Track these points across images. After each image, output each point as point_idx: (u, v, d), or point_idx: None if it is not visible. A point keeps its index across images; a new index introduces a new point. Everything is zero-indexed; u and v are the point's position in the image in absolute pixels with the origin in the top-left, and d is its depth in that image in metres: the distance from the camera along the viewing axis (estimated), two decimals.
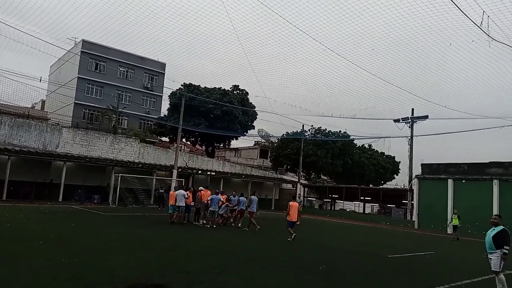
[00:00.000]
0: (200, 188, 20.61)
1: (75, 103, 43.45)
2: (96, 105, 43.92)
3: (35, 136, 29.60)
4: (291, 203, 16.03)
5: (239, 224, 19.27)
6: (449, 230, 26.22)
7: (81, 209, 23.80)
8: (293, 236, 14.94)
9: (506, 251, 8.18)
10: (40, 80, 55.42)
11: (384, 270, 10.68)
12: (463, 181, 27.84)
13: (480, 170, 28.21)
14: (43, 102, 53.20)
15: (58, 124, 34.56)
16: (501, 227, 8.57)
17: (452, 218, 22.51)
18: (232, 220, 19.88)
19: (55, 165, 29.58)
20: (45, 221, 16.57)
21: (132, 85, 47.24)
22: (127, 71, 47.37)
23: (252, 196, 19.38)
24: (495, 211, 25.15)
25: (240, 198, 19.80)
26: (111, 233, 14.34)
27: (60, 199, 27.76)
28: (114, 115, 41.49)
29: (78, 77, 43.99)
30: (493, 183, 25.92)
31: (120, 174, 29.43)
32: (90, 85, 44.86)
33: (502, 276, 8.33)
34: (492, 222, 8.81)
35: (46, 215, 18.88)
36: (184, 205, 19.04)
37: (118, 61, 46.34)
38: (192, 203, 19.87)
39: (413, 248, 16.33)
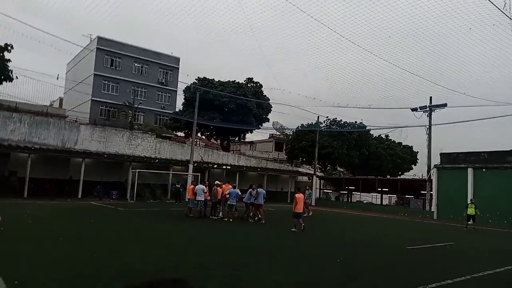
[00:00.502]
0: (216, 182, 20.68)
1: (92, 100, 44.04)
2: (113, 102, 44.42)
3: (54, 134, 30.16)
4: (297, 195, 16.29)
5: (257, 217, 19.18)
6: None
7: (100, 205, 24.21)
8: (302, 226, 15.32)
9: None
10: (58, 77, 56.52)
11: (404, 262, 10.54)
12: (484, 169, 27.21)
13: (501, 158, 27.50)
14: (61, 99, 54.11)
15: (76, 121, 35.13)
16: None
17: (466, 207, 21.84)
18: (251, 214, 19.56)
19: (74, 162, 30.13)
20: (65, 218, 16.92)
21: (147, 80, 47.59)
22: (142, 67, 47.71)
23: (259, 189, 19.01)
24: None
25: (258, 190, 19.16)
26: (129, 229, 14.55)
27: (80, 196, 28.28)
28: (130, 111, 41.94)
29: (94, 74, 44.52)
30: None
31: (137, 170, 29.80)
32: (106, 82, 45.37)
33: None
34: None
35: (66, 212, 19.28)
36: (203, 199, 19.18)
37: (133, 57, 46.69)
38: (208, 198, 19.95)
39: (433, 239, 16.07)
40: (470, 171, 27.60)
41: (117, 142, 33.10)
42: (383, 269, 9.44)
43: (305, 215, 22.17)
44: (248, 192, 19.48)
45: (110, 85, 45.67)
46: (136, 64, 47.04)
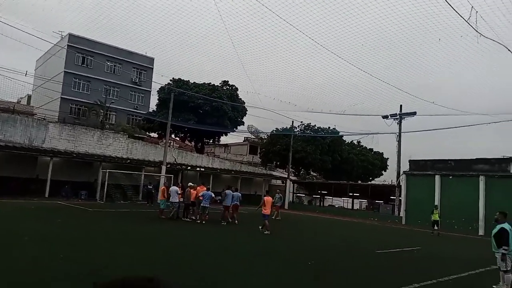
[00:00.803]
0: (190, 184, 20.51)
1: (61, 98, 42.75)
2: (83, 100, 43.27)
3: (20, 131, 29.05)
4: (265, 198, 17.29)
5: (236, 221, 19.30)
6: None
7: (68, 205, 23.47)
8: (267, 228, 15.95)
9: (503, 251, 8.00)
10: (26, 74, 54.36)
11: (373, 266, 10.74)
12: (450, 177, 28.17)
13: (467, 166, 28.57)
14: (29, 97, 52.29)
15: (44, 119, 33.98)
16: (501, 225, 8.33)
17: (431, 213, 22.58)
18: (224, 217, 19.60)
19: (42, 161, 29.10)
20: (31, 217, 16.30)
21: (120, 80, 46.66)
22: (114, 66, 46.75)
23: (226, 190, 19.74)
24: (481, 207, 25.56)
25: (234, 193, 19.84)
26: (98, 230, 14.17)
27: (47, 195, 27.33)
28: (101, 110, 40.98)
29: (64, 71, 43.26)
30: (480, 179, 26.27)
31: (108, 170, 29.11)
32: (77, 80, 44.17)
33: (509, 275, 8.09)
34: (495, 220, 8.63)
35: (32, 211, 18.58)
36: (177, 201, 19.14)
37: (106, 56, 45.68)
38: (182, 199, 19.79)
39: (401, 243, 16.49)
40: (437, 178, 28.51)
41: (87, 142, 32.23)
42: (353, 272, 9.59)
43: (277, 218, 22.39)
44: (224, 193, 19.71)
45: (81, 84, 44.50)
46: (108, 63, 46.05)
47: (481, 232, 24.94)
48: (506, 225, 8.32)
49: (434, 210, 22.71)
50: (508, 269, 8.15)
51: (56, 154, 29.19)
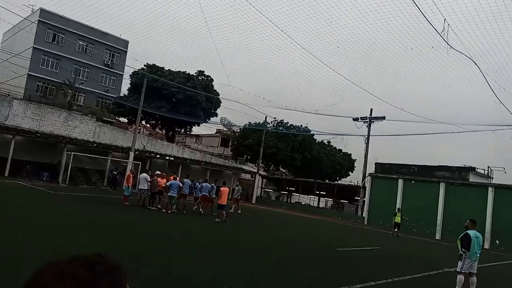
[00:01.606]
0: (157, 172, 20.28)
1: (28, 74, 41.00)
2: (51, 79, 41.67)
3: None
4: (222, 188, 17.80)
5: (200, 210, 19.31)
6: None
7: (28, 186, 22.65)
8: (224, 217, 16.95)
9: (462, 253, 8.69)
10: None
11: (333, 262, 11.01)
12: (412, 181, 29.17)
13: (429, 173, 29.71)
14: None
15: (8, 95, 32.51)
16: (467, 231, 8.93)
17: (394, 215, 23.38)
18: (197, 207, 19.81)
19: (3, 138, 27.84)
20: None
21: (91, 60, 45.19)
22: (86, 46, 45.22)
23: (185, 179, 20.08)
24: (440, 212, 26.65)
25: (203, 184, 20.04)
26: (58, 212, 13.77)
27: (6, 174, 26.28)
28: (70, 91, 39.62)
29: (33, 47, 41.46)
30: (440, 185, 27.35)
31: (72, 153, 28.26)
32: (46, 57, 42.47)
33: (461, 276, 8.71)
34: (465, 226, 9.24)
35: None
36: (146, 188, 18.90)
37: (78, 34, 44.09)
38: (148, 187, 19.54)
39: (362, 242, 16.96)
40: (400, 181, 29.45)
41: (52, 122, 31.13)
42: (314, 267, 9.79)
43: (238, 211, 22.22)
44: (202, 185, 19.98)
45: (50, 61, 42.83)
46: (80, 42, 44.48)
47: (438, 236, 26.01)
48: (471, 232, 8.90)
49: (396, 212, 23.50)
50: (462, 271, 8.68)
51: (19, 132, 28.05)
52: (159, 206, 18.86)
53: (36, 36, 41.41)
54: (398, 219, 22.90)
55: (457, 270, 8.88)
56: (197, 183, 20.42)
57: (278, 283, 7.57)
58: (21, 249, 7.53)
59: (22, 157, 27.78)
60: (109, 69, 46.95)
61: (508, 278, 13.25)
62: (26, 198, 16.81)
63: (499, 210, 24.40)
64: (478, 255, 8.92)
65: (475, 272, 8.82)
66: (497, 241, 23.69)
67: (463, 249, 8.73)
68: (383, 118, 34.56)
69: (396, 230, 22.63)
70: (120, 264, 0.75)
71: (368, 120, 34.80)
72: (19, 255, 7.01)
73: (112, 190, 26.45)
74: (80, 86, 40.43)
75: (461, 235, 9.10)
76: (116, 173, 28.41)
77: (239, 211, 23.04)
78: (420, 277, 10.55)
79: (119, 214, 15.53)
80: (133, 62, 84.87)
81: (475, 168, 29.93)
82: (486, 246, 23.22)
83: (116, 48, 47.81)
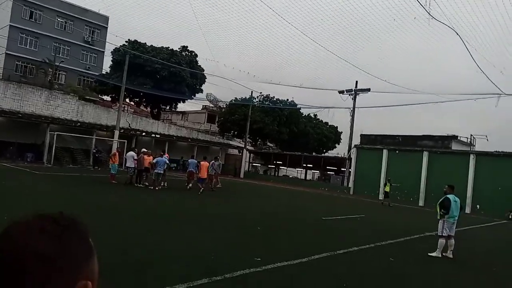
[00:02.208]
0: (143, 150, 20.20)
1: (6, 53, 39.76)
2: (31, 57, 40.51)
3: None
4: (202, 162, 18.82)
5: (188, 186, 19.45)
6: (381, 196, 28.18)
7: (13, 167, 22.39)
8: (201, 190, 17.82)
9: (442, 213, 9.12)
10: None
11: (318, 231, 11.30)
12: (397, 151, 29.69)
13: (413, 142, 30.21)
14: None
15: None
16: (446, 195, 9.30)
17: (385, 185, 23.93)
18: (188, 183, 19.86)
19: None
20: None
21: (71, 38, 43.92)
22: (65, 23, 43.83)
23: (158, 158, 18.99)
24: (423, 180, 27.30)
25: (189, 160, 20.57)
26: (43, 193, 13.72)
27: None
28: (50, 69, 38.63)
29: (10, 25, 40.03)
30: (423, 154, 27.90)
31: (56, 132, 27.86)
32: (24, 35, 41.13)
33: (442, 240, 9.07)
34: (444, 192, 9.59)
35: None
36: (133, 166, 18.85)
37: (56, 11, 42.66)
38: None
39: (347, 211, 17.36)
40: (385, 152, 29.95)
41: (34, 102, 30.48)
42: (299, 237, 10.05)
43: (217, 185, 21.84)
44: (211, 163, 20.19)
45: (28, 39, 41.52)
46: (59, 19, 43.09)
47: (421, 203, 26.78)
48: (451, 196, 9.30)
49: (387, 182, 23.92)
50: (443, 234, 9.05)
51: (0, 113, 27.43)
52: (147, 184, 18.90)
53: (12, 13, 39.95)
54: (387, 188, 23.35)
55: (438, 234, 9.25)
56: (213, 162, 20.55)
57: (265, 252, 7.77)
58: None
59: (5, 138, 27.32)
60: (90, 46, 45.79)
61: (484, 239, 13.81)
62: (10, 179, 16.65)
63: (480, 176, 25.15)
64: (457, 218, 9.30)
65: (453, 235, 9.22)
66: (477, 206, 24.51)
67: (442, 211, 9.11)
68: (368, 90, 34.71)
69: (385, 198, 23.21)
70: (82, 220, 0.81)
71: (353, 92, 34.93)
72: None
73: (96, 169, 26.31)
74: (60, 65, 39.42)
75: (440, 199, 9.48)
76: (95, 151, 28.18)
77: (219, 185, 22.12)
78: (402, 241, 10.93)
79: (105, 193, 15.54)
80: (114, 39, 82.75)
81: (457, 136, 30.49)
82: (468, 210, 24.02)
83: (96, 25, 46.48)
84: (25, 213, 0.77)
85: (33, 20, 41.50)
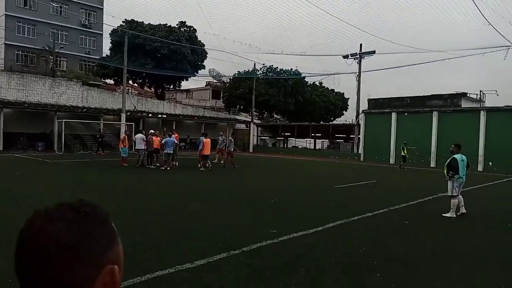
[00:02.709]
0: (151, 131, 20.25)
1: (5, 44, 39.61)
2: (30, 46, 40.34)
3: None
4: (204, 140, 18.70)
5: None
6: (391, 160, 28.10)
7: (25, 157, 22.69)
8: (210, 167, 18.27)
9: (450, 175, 9.08)
10: None
11: (331, 200, 11.35)
12: (406, 113, 29.33)
13: (422, 103, 29.79)
14: None
15: None
16: (453, 155, 9.24)
17: (402, 149, 23.41)
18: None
19: None
20: None
21: (68, 22, 43.44)
22: (60, 7, 43.26)
23: (167, 138, 18.86)
24: (434, 140, 27.08)
25: (200, 138, 19.86)
26: (59, 180, 13.92)
27: (1, 148, 26.24)
28: (51, 56, 38.46)
29: (5, 14, 39.68)
30: (433, 114, 27.54)
31: (63, 120, 28.00)
32: (21, 24, 40.79)
33: (454, 200, 9.09)
34: (450, 151, 9.54)
35: None
36: (144, 148, 19.02)
37: None
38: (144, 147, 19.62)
39: (358, 178, 17.38)
40: (394, 115, 29.60)
41: (38, 91, 30.50)
42: (312, 207, 10.11)
43: (220, 162, 21.62)
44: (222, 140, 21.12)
45: (26, 28, 41.19)
46: (54, 4, 42.53)
47: (432, 164, 26.66)
48: (458, 156, 9.26)
49: (403, 146, 23.54)
50: (455, 194, 9.06)
51: (6, 104, 27.60)
52: (158, 164, 19.05)
53: (6, 2, 39.50)
54: (405, 152, 22.95)
55: (450, 194, 9.24)
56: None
57: (279, 224, 7.84)
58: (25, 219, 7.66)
59: (14, 129, 27.58)
60: (88, 29, 45.32)
61: (497, 196, 13.78)
62: (25, 169, 16.89)
63: (491, 132, 24.81)
64: (464, 176, 9.31)
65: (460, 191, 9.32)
66: (490, 163, 24.33)
67: (450, 172, 9.08)
68: (373, 52, 34.03)
69: (402, 163, 22.79)
70: (101, 206, 0.83)
71: (358, 56, 34.27)
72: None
73: (98, 154, 26.49)
74: (60, 51, 39.20)
75: (448, 160, 9.42)
76: (98, 135, 28.20)
77: (222, 162, 21.34)
78: (415, 203, 10.95)
79: (119, 176, 15.71)
80: (111, 20, 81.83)
81: (466, 93, 29.96)
82: (480, 168, 23.92)
83: (91, 6, 45.82)
84: (45, 203, 0.78)
85: (27, 7, 41.03)
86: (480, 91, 31.33)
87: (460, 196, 9.23)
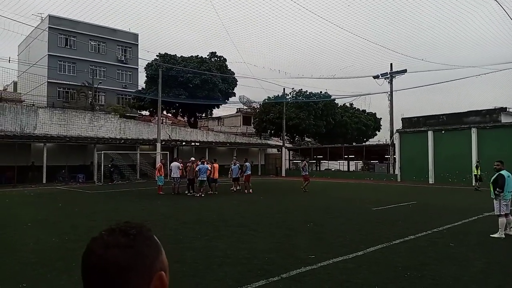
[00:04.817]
0: (192, 159, 20.65)
1: (48, 82, 42.07)
2: (71, 83, 42.65)
3: (10, 119, 28.74)
4: (214, 165, 19.78)
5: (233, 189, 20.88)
6: (431, 180, 27.10)
7: (66, 189, 23.60)
8: (216, 191, 19.44)
9: (497, 193, 8.67)
10: (9, 60, 53.52)
11: (370, 223, 11.03)
12: (443, 131, 28.47)
13: (459, 120, 28.85)
14: (15, 83, 51.37)
15: (33, 105, 33.59)
16: (499, 172, 8.88)
17: (476, 168, 22.33)
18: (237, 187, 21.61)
19: (35, 147, 28.99)
20: (30, 204, 16.41)
21: (105, 59, 45.81)
22: (98, 45, 45.77)
23: (245, 163, 21.35)
24: (474, 158, 26.00)
25: (246, 164, 21.40)
26: (99, 211, 14.34)
27: (44, 181, 27.42)
28: (90, 92, 40.44)
29: (48, 54, 42.37)
30: (472, 131, 26.58)
31: (102, 152, 29.09)
32: (62, 62, 43.35)
33: (502, 219, 8.63)
34: (495, 169, 9.13)
35: (31, 198, 18.69)
36: (179, 176, 19.42)
37: (88, 35, 44.65)
38: (179, 175, 20.02)
39: (396, 199, 16.86)
40: (430, 133, 28.80)
41: (78, 124, 32.00)
42: (350, 231, 9.86)
43: (240, 188, 21.47)
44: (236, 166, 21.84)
45: (67, 66, 43.70)
46: (92, 42, 45.05)
47: (473, 182, 25.45)
48: (504, 172, 8.89)
49: (477, 165, 22.25)
50: (502, 213, 8.60)
51: (49, 139, 29.05)
52: (192, 191, 19.29)
53: (49, 43, 42.24)
54: (478, 171, 21.65)
55: (497, 213, 8.79)
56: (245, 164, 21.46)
57: (318, 249, 7.69)
58: (67, 250, 7.93)
59: (56, 162, 28.85)
60: (124, 65, 47.49)
61: None
62: (66, 201, 17.55)
63: None
64: (510, 194, 8.85)
65: (509, 212, 8.79)
66: None
67: (497, 190, 8.70)
68: (405, 71, 33.56)
69: (479, 182, 21.20)
70: (144, 224, 0.98)
71: (389, 75, 33.89)
72: (65, 257, 7.39)
73: (114, 183, 27.05)
74: (99, 86, 41.17)
75: (493, 177, 9.02)
76: (110, 165, 28.64)
77: (249, 191, 20.48)
78: (460, 224, 10.46)
79: (155, 204, 16.01)
80: (146, 54, 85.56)
81: (506, 108, 28.78)
82: None
83: (127, 43, 48.17)
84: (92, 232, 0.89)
85: (68, 46, 43.64)
86: None
87: (510, 217, 8.75)
